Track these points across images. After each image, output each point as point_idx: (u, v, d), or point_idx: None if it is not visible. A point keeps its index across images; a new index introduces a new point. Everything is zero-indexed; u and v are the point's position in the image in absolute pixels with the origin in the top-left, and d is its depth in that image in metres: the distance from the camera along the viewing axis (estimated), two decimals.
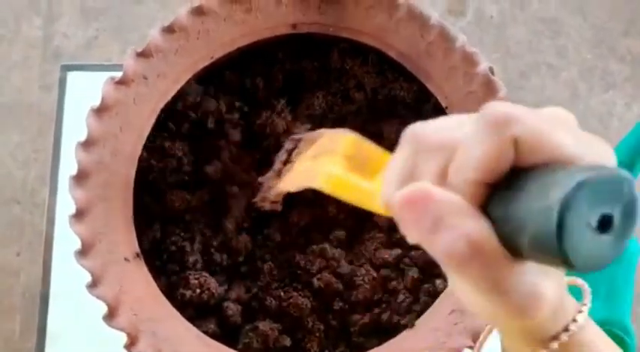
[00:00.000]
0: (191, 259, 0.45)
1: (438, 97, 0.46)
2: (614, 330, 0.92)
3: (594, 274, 0.90)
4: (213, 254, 0.47)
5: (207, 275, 0.45)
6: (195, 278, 0.44)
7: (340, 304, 0.45)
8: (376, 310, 0.45)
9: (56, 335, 0.58)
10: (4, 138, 1.21)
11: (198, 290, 0.44)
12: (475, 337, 0.40)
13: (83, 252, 0.40)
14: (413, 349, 0.41)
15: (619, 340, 0.93)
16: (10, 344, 1.13)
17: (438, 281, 0.45)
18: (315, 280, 0.45)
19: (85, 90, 0.59)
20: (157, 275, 0.45)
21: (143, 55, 0.43)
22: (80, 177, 0.41)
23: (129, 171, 0.43)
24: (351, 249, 0.48)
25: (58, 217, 0.60)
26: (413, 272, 0.45)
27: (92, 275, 0.39)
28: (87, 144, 0.41)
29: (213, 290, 0.44)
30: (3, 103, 1.23)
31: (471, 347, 0.40)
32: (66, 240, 0.57)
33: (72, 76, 0.66)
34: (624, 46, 1.31)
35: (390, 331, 0.44)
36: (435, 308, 0.43)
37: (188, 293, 0.44)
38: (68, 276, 0.58)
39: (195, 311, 0.44)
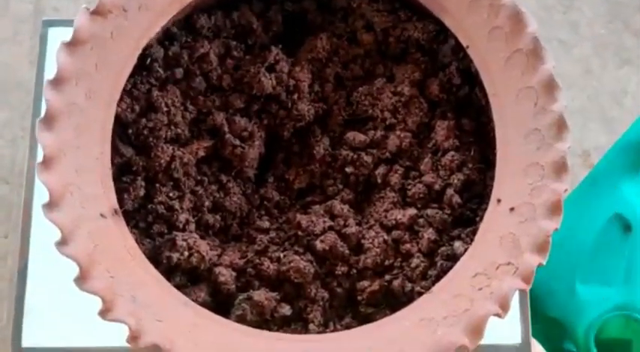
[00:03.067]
0: (181, 218, 0.40)
1: (458, 36, 0.40)
2: (634, 315, 0.87)
3: (612, 258, 0.85)
4: (204, 215, 0.42)
5: (196, 236, 0.40)
6: (184, 240, 0.39)
7: (346, 269, 0.40)
8: (387, 276, 0.40)
9: (35, 308, 0.53)
10: None
11: (186, 254, 0.39)
12: (503, 303, 0.34)
13: (51, 205, 0.34)
14: (430, 318, 0.35)
15: (638, 325, 0.89)
16: None
17: (457, 244, 0.39)
18: (318, 242, 0.40)
19: None
20: (140, 238, 0.40)
21: None
22: (49, 120, 0.35)
23: (106, 117, 0.38)
24: (359, 210, 0.43)
25: (38, 186, 0.54)
26: (429, 234, 0.40)
27: (62, 231, 0.34)
28: (57, 83, 0.36)
29: (204, 254, 0.39)
30: None
31: (498, 315, 0.34)
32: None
33: (53, 33, 0.60)
34: (639, 20, 1.26)
35: (403, 300, 0.39)
36: (454, 272, 0.37)
37: (175, 256, 0.39)
38: (48, 249, 0.53)
39: (184, 278, 0.39)
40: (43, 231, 0.52)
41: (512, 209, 0.37)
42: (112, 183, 0.37)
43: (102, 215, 0.36)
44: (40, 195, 0.53)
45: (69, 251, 0.34)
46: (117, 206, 0.37)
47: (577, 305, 0.91)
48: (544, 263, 0.36)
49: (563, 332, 0.91)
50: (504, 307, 0.34)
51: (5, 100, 1.16)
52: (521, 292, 0.52)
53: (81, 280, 0.34)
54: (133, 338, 0.33)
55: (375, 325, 0.36)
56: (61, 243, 0.34)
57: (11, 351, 0.54)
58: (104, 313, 0.33)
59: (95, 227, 0.35)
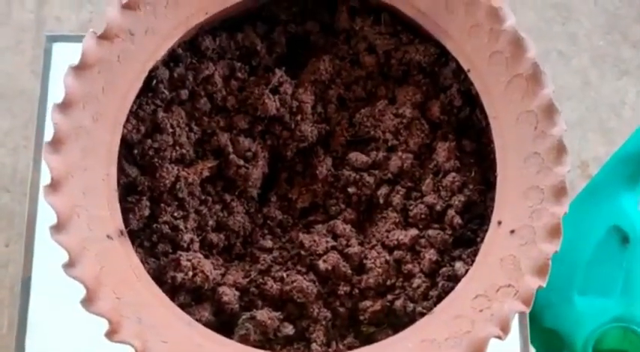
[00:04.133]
0: (185, 238, 0.40)
1: (459, 59, 0.41)
2: (632, 327, 0.88)
3: (610, 269, 0.85)
4: (208, 234, 0.42)
5: (200, 256, 0.40)
6: (188, 260, 0.40)
7: (348, 289, 0.40)
8: (389, 296, 0.40)
9: (38, 323, 0.53)
10: None
11: (190, 273, 0.39)
12: (504, 325, 0.35)
13: (59, 227, 0.35)
14: (432, 339, 0.36)
15: (636, 337, 0.89)
16: None
17: (458, 264, 0.40)
18: (320, 262, 0.40)
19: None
20: (145, 257, 0.40)
21: (129, 6, 0.38)
22: (56, 143, 0.36)
23: (112, 139, 0.39)
24: (361, 230, 0.43)
25: (42, 197, 0.55)
26: (430, 254, 0.40)
27: (69, 253, 0.35)
28: (64, 106, 0.37)
29: (208, 273, 0.39)
30: None
31: (499, 337, 0.35)
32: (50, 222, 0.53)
33: (58, 48, 0.61)
34: (637, 32, 1.27)
35: (405, 320, 0.40)
36: (456, 293, 0.38)
37: (180, 276, 0.39)
38: (52, 262, 0.54)
39: (188, 297, 0.40)
40: (47, 243, 0.52)
41: (512, 231, 0.38)
42: (117, 205, 0.38)
43: (108, 236, 0.37)
44: (44, 206, 0.53)
45: (76, 273, 0.34)
46: (123, 227, 0.38)
47: (575, 317, 0.91)
48: (544, 285, 0.36)
49: (562, 343, 0.91)
50: (505, 329, 0.35)
51: (7, 109, 1.17)
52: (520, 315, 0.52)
53: (88, 302, 0.34)
54: None
55: (377, 346, 0.37)
56: (69, 266, 0.34)
57: None
58: (111, 335, 0.34)
59: (102, 248, 0.36)
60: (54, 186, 0.35)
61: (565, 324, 0.92)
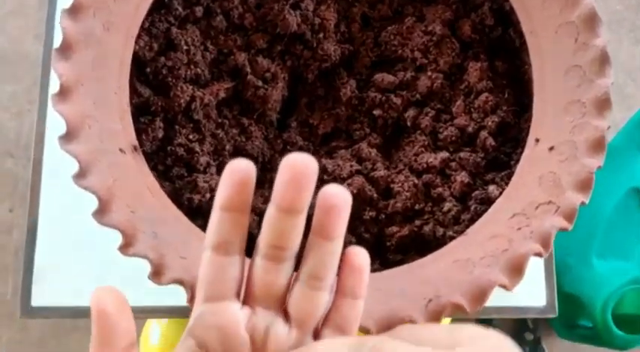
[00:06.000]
0: (202, 161, 0.38)
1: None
2: None
3: (628, 231, 0.83)
4: (225, 159, 0.40)
5: (218, 177, 0.38)
6: (205, 182, 0.37)
7: (374, 214, 0.38)
8: (417, 221, 0.38)
9: (44, 267, 0.51)
10: None
11: (208, 195, 0.37)
12: (544, 242, 0.33)
13: (68, 136, 0.32)
14: (466, 259, 0.34)
15: None
16: (1, 307, 1.07)
17: (492, 188, 0.37)
18: (345, 186, 0.38)
19: None
20: (159, 180, 0.38)
21: None
22: (65, 49, 0.33)
23: (124, 52, 0.36)
24: (387, 156, 0.41)
25: (48, 137, 0.52)
26: (462, 177, 0.38)
27: (79, 162, 0.32)
28: (73, 11, 0.34)
29: None
30: None
31: (539, 254, 0.33)
32: (56, 162, 0.50)
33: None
34: None
35: (433, 246, 0.37)
36: (490, 214, 0.35)
37: (197, 197, 0.37)
38: (59, 205, 0.52)
39: (205, 222, 0.37)
40: (53, 194, 0.50)
41: (551, 148, 0.35)
42: (130, 120, 0.36)
43: (121, 150, 0.34)
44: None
45: (87, 183, 0.32)
46: (136, 142, 0.35)
47: (594, 280, 0.89)
48: (586, 202, 0.34)
49: (579, 308, 0.89)
50: (546, 246, 0.33)
51: (11, 73, 1.14)
52: (547, 259, 0.50)
53: (100, 214, 0.32)
54: (156, 273, 0.31)
55: (408, 267, 0.35)
56: (79, 176, 0.32)
57: (20, 311, 0.52)
58: (125, 248, 0.31)
59: (114, 161, 0.33)
60: (63, 93, 0.33)
61: (584, 288, 0.90)
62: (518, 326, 1.05)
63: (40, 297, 0.52)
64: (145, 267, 0.32)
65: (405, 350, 0.21)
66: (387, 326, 0.31)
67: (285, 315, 0.27)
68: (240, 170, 0.26)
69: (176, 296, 0.46)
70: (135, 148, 0.35)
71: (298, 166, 0.25)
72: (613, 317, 0.84)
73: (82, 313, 0.50)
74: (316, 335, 0.27)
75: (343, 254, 0.28)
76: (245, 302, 0.28)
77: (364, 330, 0.32)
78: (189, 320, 0.28)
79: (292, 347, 0.26)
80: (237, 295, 0.28)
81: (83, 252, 0.49)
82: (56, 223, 0.50)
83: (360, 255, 0.28)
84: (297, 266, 0.28)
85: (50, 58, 0.55)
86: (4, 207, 1.08)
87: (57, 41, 0.55)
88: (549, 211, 0.34)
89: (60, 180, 0.49)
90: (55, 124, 0.50)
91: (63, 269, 0.51)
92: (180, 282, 0.31)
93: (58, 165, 0.50)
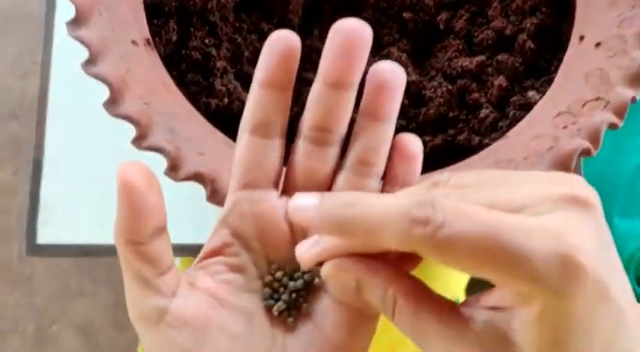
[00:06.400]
0: (218, 65, 0.36)
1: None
2: None
3: None
4: (244, 66, 0.37)
5: (237, 82, 0.35)
6: (223, 85, 0.35)
7: (404, 122, 0.35)
8: (451, 130, 0.35)
9: (49, 204, 0.49)
10: (2, 50, 1.11)
11: (226, 100, 0.34)
12: (594, 138, 0.30)
13: (78, 21, 0.30)
14: (508, 159, 0.31)
15: None
16: (7, 272, 1.05)
17: (531, 93, 0.35)
18: None
19: None
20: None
21: None
22: None
23: None
24: (419, 63, 0.38)
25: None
26: (499, 81, 0.35)
27: (89, 48, 0.30)
28: None
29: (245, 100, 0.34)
30: (1, 13, 1.13)
31: (588, 151, 0.30)
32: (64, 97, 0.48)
33: None
34: None
35: (469, 155, 0.35)
36: (532, 115, 0.33)
37: (214, 102, 0.34)
38: (64, 140, 0.49)
39: (223, 125, 0.35)
40: (59, 123, 0.48)
41: (598, 44, 0.33)
42: (143, 12, 0.33)
43: (133, 42, 0.32)
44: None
45: (98, 70, 0.29)
46: (149, 36, 0.33)
47: (615, 240, 0.86)
48: (637, 97, 0.31)
49: None
50: (595, 142, 0.30)
51: (16, 34, 1.12)
52: None
53: (112, 104, 0.29)
54: (173, 167, 0.29)
55: (442, 170, 0.32)
56: (89, 62, 0.30)
57: (26, 248, 0.50)
58: (139, 140, 0.29)
59: (127, 51, 0.31)
60: None
61: None
62: None
63: (45, 234, 0.50)
64: None
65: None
66: None
67: None
68: (284, 39, 0.23)
69: (189, 234, 0.43)
70: (148, 41, 0.33)
71: (350, 32, 0.23)
72: (635, 276, 0.82)
73: (89, 251, 0.47)
74: None
75: (394, 140, 0.25)
76: (284, 192, 0.25)
77: None
78: (222, 211, 0.25)
79: None
80: (277, 183, 0.25)
81: (90, 189, 0.47)
82: (62, 162, 0.48)
83: (414, 142, 0.25)
84: (342, 155, 0.26)
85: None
86: (9, 170, 1.06)
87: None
88: (598, 107, 0.31)
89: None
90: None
91: (69, 208, 0.49)
92: (198, 177, 0.29)
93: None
